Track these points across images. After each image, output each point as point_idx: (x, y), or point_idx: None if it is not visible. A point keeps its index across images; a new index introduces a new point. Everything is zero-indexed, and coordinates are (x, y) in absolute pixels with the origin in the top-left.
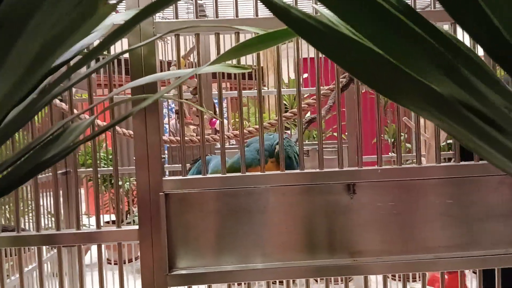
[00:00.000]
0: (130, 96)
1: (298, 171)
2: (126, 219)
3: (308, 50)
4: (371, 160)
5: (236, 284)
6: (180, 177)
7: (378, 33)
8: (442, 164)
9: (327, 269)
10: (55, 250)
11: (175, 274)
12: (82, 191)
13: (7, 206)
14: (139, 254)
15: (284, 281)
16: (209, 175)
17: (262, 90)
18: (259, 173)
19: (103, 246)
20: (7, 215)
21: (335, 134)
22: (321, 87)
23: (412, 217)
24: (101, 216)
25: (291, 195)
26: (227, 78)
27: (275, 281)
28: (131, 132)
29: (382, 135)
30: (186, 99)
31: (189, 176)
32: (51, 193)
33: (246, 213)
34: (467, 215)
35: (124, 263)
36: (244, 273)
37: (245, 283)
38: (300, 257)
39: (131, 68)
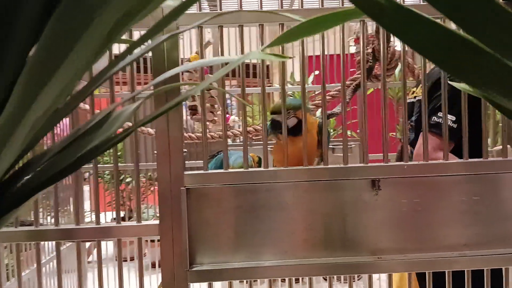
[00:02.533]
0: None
1: (321, 166)
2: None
3: (313, 48)
4: (377, 158)
5: (266, 281)
6: (202, 172)
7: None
8: (469, 160)
9: (350, 266)
10: (65, 246)
11: (196, 270)
12: (86, 187)
13: None
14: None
15: (307, 279)
16: (230, 170)
17: (268, 87)
18: (282, 168)
19: (107, 243)
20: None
21: (348, 132)
22: (333, 84)
23: (437, 214)
24: (103, 213)
25: (313, 191)
26: (231, 76)
27: (298, 280)
28: (143, 128)
29: (394, 133)
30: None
31: (210, 171)
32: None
33: (267, 209)
34: (494, 212)
35: (125, 260)
36: (265, 270)
37: (269, 280)
38: (321, 255)
39: (154, 64)
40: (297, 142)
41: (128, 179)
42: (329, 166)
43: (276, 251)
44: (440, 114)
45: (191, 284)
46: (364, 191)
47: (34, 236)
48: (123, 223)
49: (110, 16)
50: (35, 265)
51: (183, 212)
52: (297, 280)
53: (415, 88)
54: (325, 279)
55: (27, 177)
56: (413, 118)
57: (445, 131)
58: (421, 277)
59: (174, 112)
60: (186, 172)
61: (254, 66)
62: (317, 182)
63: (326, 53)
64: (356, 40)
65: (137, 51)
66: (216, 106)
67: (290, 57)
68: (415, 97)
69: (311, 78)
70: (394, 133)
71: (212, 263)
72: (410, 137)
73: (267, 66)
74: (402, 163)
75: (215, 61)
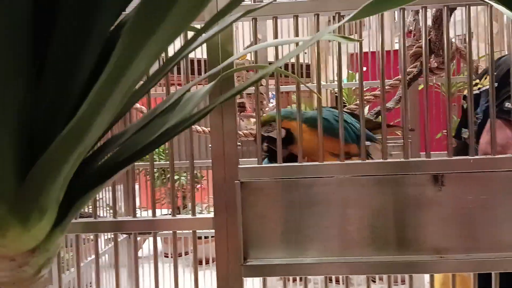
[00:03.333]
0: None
1: (380, 160)
2: (180, 213)
3: (355, 45)
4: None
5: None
6: (255, 165)
7: None
8: None
9: (410, 265)
10: (120, 238)
11: (250, 265)
12: (136, 186)
13: None
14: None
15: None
16: (284, 164)
17: (311, 84)
18: (338, 162)
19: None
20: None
21: (401, 133)
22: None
23: (507, 212)
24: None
25: (370, 186)
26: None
27: (338, 281)
28: (198, 128)
29: (445, 131)
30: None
31: (264, 164)
32: (109, 187)
33: (323, 204)
34: None
35: (180, 255)
36: (320, 266)
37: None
38: (378, 253)
39: (208, 57)
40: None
41: (176, 177)
42: (389, 160)
43: (330, 248)
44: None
45: (245, 279)
46: (427, 187)
47: (93, 227)
48: (178, 216)
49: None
50: (89, 258)
51: (238, 206)
52: (337, 281)
53: (478, 80)
54: (373, 281)
55: (106, 156)
56: (478, 110)
57: None
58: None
59: (228, 106)
60: (240, 166)
61: (293, 65)
62: (377, 177)
63: (372, 49)
64: (409, 34)
65: (194, 45)
66: (264, 102)
67: (357, 40)
68: (479, 88)
69: (357, 75)
70: (445, 131)
71: (266, 258)
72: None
73: (307, 66)
74: (467, 157)
75: (287, 42)
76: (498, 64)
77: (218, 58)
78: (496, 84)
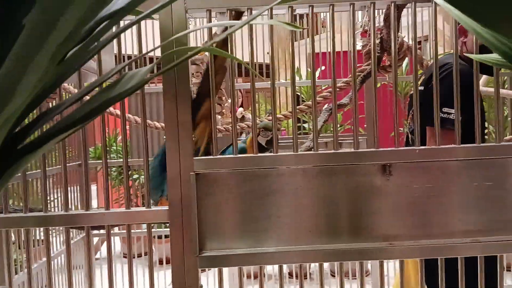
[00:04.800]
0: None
1: (332, 151)
2: None
3: (320, 46)
4: None
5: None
6: (211, 157)
7: None
8: (483, 144)
9: (360, 252)
10: (76, 239)
11: (206, 256)
12: (94, 186)
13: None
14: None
15: (315, 276)
16: (239, 155)
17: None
18: (291, 153)
19: (114, 240)
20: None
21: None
22: (338, 79)
23: (450, 199)
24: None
25: (323, 177)
26: (237, 76)
27: (306, 276)
28: (150, 122)
29: (401, 129)
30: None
31: (219, 156)
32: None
33: (276, 195)
34: (508, 198)
35: (134, 257)
36: (273, 255)
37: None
38: (331, 241)
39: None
40: None
41: (135, 176)
42: (339, 150)
43: (285, 237)
44: (444, 109)
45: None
46: (375, 176)
47: (43, 221)
48: (133, 209)
49: None
50: (41, 260)
51: (193, 197)
52: (305, 276)
53: (424, 76)
54: (333, 275)
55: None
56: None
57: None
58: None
59: (183, 96)
60: (195, 158)
61: (261, 65)
62: (327, 167)
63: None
64: (363, 34)
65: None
66: (223, 98)
67: (300, 28)
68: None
69: (317, 74)
70: (401, 128)
71: (221, 248)
72: (411, 127)
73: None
74: (413, 147)
75: (220, 24)
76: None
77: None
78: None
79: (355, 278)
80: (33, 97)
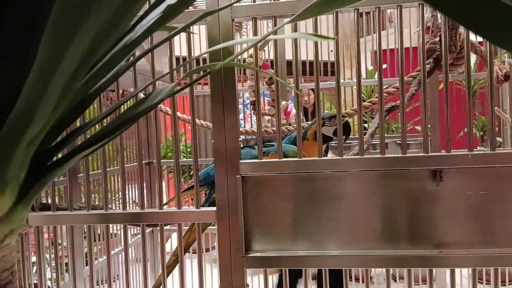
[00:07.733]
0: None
1: (379, 156)
2: None
3: (388, 42)
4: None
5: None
6: (257, 160)
7: None
8: None
9: (409, 259)
10: (138, 236)
11: (252, 256)
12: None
13: (96, 195)
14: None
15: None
16: (285, 159)
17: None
18: (338, 157)
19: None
20: (97, 201)
21: (417, 127)
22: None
23: (506, 207)
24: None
25: (371, 181)
26: (302, 74)
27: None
28: (209, 124)
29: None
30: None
31: (266, 160)
32: (135, 184)
33: (324, 199)
34: None
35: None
36: (320, 259)
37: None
38: (379, 246)
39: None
40: None
41: (185, 175)
42: (387, 155)
43: (335, 241)
44: None
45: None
46: (425, 182)
47: (104, 219)
48: (183, 209)
49: None
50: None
51: (239, 199)
52: (356, 279)
53: None
54: (394, 280)
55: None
56: None
57: None
58: None
59: (230, 101)
60: (241, 161)
61: (325, 64)
62: (375, 172)
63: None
64: (427, 31)
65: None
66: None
67: (330, 38)
68: None
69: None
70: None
71: (267, 250)
72: None
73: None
74: (466, 152)
75: (242, 41)
76: None
77: (219, 58)
78: None
79: (418, 284)
80: (62, 114)
